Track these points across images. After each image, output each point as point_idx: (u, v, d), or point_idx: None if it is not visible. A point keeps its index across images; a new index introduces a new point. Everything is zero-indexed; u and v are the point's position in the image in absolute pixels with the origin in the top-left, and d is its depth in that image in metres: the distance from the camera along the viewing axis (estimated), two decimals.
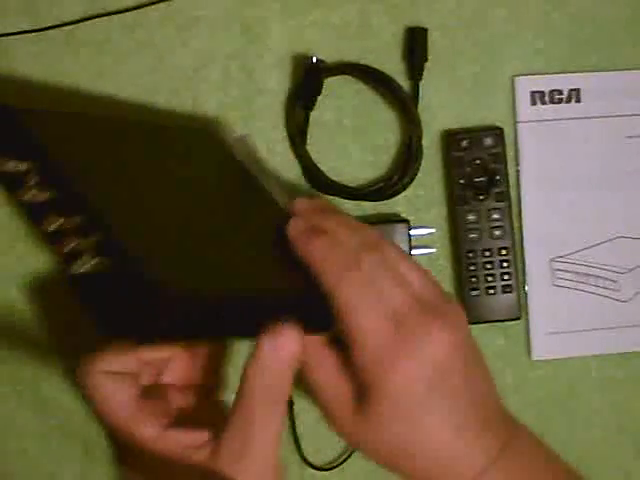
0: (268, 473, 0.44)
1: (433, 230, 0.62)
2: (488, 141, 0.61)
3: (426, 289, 0.47)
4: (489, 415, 0.47)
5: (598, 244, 0.63)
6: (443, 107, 0.62)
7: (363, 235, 0.48)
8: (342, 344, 0.46)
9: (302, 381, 0.47)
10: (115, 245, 0.42)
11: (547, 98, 0.62)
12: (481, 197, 0.61)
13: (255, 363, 0.43)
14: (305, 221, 0.48)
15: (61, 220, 0.43)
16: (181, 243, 0.46)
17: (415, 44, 0.61)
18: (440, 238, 0.62)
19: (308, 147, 0.61)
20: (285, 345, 0.43)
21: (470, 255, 0.61)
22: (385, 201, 0.61)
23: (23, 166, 0.43)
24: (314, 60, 0.60)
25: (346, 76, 0.61)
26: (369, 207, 0.61)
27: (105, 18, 0.60)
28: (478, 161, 0.61)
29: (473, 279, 0.61)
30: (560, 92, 0.62)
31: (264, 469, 0.44)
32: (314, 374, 0.47)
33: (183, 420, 0.46)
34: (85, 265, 0.42)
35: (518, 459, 0.47)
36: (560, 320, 0.63)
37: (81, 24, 0.60)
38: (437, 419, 0.45)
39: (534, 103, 0.62)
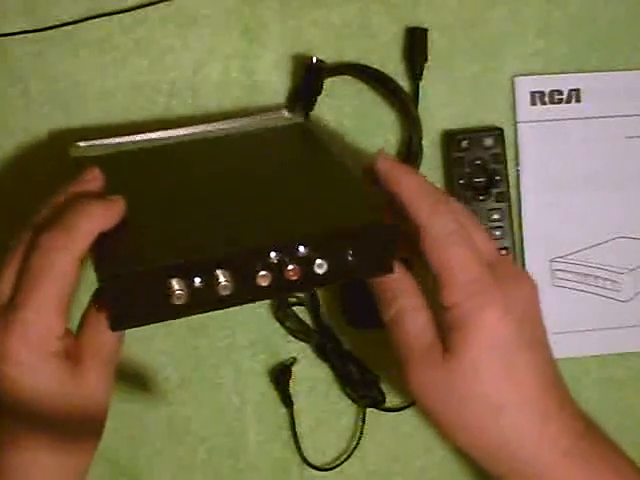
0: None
1: None
2: (488, 141, 0.61)
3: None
4: (566, 392, 0.48)
5: (598, 244, 0.63)
6: (443, 107, 0.62)
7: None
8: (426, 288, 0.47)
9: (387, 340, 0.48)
10: None
11: (547, 98, 0.62)
12: (481, 197, 0.61)
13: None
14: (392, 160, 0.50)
15: None
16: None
17: (415, 44, 0.61)
18: None
19: None
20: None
21: None
22: None
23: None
24: (314, 60, 0.60)
25: (346, 76, 0.61)
26: None
27: (105, 18, 0.60)
28: (478, 161, 0.61)
29: None
30: (560, 92, 0.62)
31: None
32: (400, 324, 0.48)
33: None
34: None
35: (596, 448, 0.47)
36: (560, 320, 0.62)
37: (81, 24, 0.60)
38: (525, 363, 0.46)
39: (534, 103, 0.62)
